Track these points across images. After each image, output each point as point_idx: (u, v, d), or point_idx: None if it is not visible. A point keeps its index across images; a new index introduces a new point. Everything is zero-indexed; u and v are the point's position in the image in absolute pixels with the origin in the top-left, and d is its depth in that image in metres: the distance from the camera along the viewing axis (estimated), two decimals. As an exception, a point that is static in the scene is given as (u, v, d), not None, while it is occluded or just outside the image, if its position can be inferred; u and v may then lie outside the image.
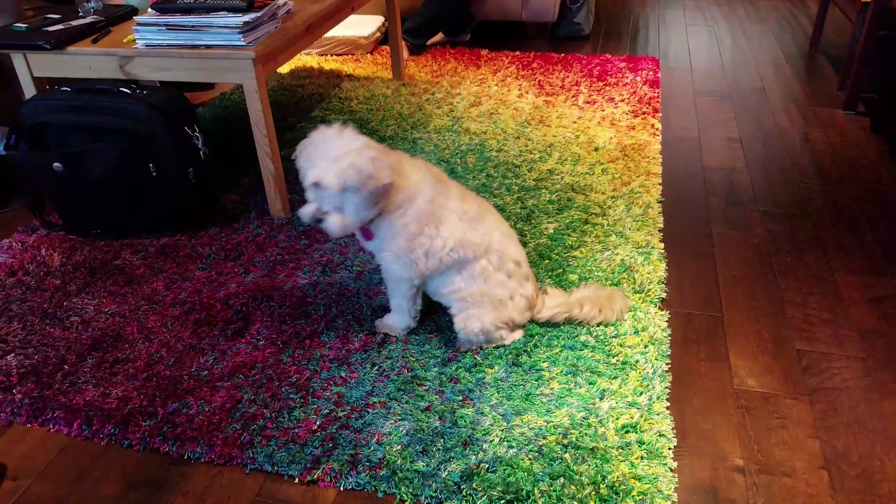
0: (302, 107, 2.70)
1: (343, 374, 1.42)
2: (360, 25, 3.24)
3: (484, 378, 1.40)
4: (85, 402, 1.38)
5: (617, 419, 1.29)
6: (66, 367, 1.47)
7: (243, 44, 1.76)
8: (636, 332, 1.51)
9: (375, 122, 2.55)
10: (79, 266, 1.81)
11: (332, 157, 1.25)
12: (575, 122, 2.48)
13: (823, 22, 3.17)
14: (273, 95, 2.81)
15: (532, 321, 1.53)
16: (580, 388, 1.37)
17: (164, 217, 1.91)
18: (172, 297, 1.68)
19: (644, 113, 2.53)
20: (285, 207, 2.01)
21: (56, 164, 1.80)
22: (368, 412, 1.33)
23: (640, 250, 1.80)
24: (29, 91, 1.96)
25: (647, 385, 1.37)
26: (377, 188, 1.24)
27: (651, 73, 2.88)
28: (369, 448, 1.25)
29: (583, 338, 1.50)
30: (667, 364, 1.43)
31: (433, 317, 1.57)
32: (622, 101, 2.64)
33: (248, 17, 1.76)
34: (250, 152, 1.97)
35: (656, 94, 2.68)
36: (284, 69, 3.09)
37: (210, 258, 1.82)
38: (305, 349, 1.49)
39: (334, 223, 1.28)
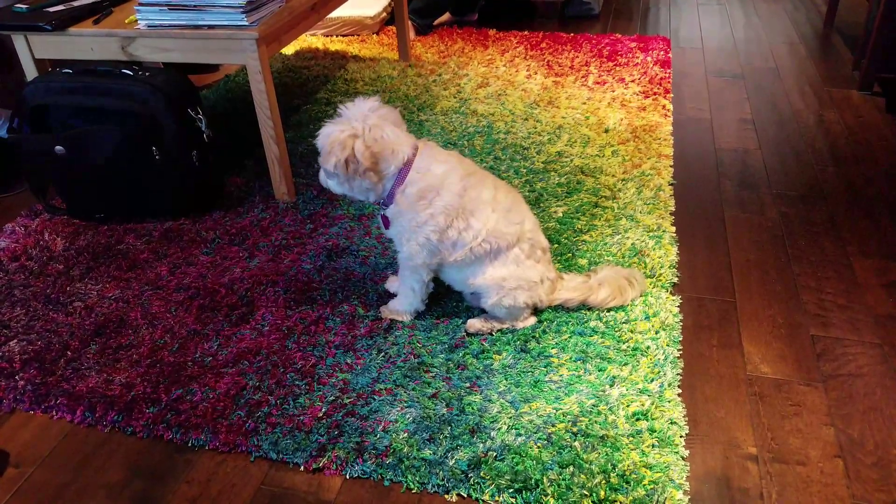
0: (307, 88, 2.66)
1: (349, 361, 1.40)
2: (366, 5, 3.18)
3: (492, 365, 1.38)
4: (88, 388, 1.36)
5: (627, 406, 1.27)
6: (69, 353, 1.46)
7: (246, 23, 1.72)
8: (647, 318, 1.48)
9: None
10: (82, 251, 1.79)
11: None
12: (584, 104, 2.44)
13: (838, 0, 3.09)
14: (278, 77, 2.77)
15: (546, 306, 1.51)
16: (590, 374, 1.35)
17: (168, 201, 1.89)
18: (176, 283, 1.66)
19: (655, 94, 2.48)
20: (290, 191, 1.98)
21: (58, 148, 1.78)
22: (374, 399, 1.31)
23: (651, 234, 1.77)
24: (31, 73, 1.93)
25: (659, 372, 1.34)
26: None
27: (662, 52, 2.82)
28: (375, 435, 1.23)
29: (592, 323, 1.47)
30: (678, 350, 1.41)
31: (440, 302, 1.55)
32: (633, 81, 2.58)
33: (250, -4, 1.72)
34: (255, 135, 1.93)
35: (667, 75, 2.63)
36: (289, 50, 3.05)
37: (214, 242, 1.80)
38: (311, 335, 1.47)
39: (323, 182, 1.44)
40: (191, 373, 1.39)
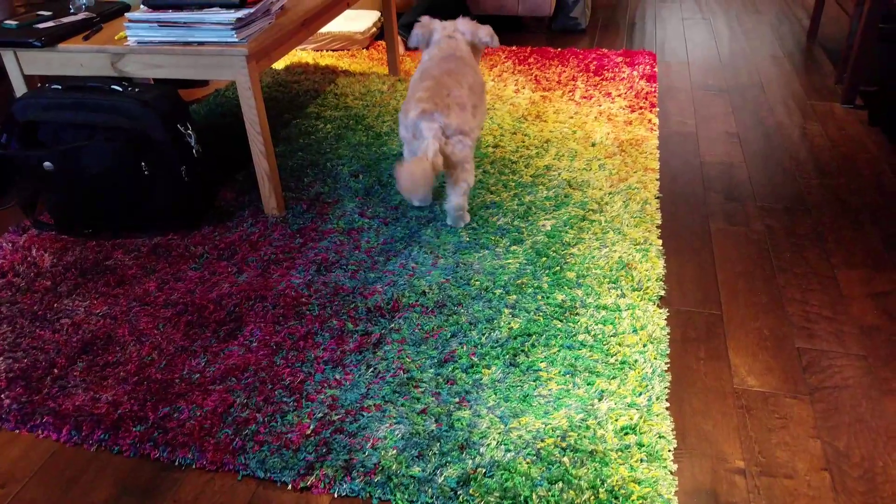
0: (297, 103, 2.67)
1: (337, 377, 1.40)
2: (356, 21, 3.20)
3: (481, 379, 1.38)
4: (74, 406, 1.35)
5: (616, 420, 1.27)
6: (55, 370, 1.44)
7: (236, 40, 1.73)
8: (635, 331, 1.49)
9: (371, 117, 2.52)
10: (70, 267, 1.79)
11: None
12: (572, 118, 2.46)
13: (820, 14, 3.15)
14: (268, 92, 2.78)
15: None
16: (578, 388, 1.35)
17: (157, 216, 1.88)
18: (164, 298, 1.65)
19: (641, 108, 2.51)
20: (279, 205, 1.98)
21: (47, 164, 1.77)
22: (363, 416, 1.31)
23: (638, 247, 1.78)
24: (20, 89, 1.93)
25: (647, 385, 1.35)
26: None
27: (648, 67, 2.85)
28: (364, 453, 1.23)
29: (581, 336, 1.48)
30: (666, 363, 1.41)
31: (430, 316, 1.55)
32: (619, 95, 2.61)
33: (240, 14, 1.73)
34: (245, 149, 1.94)
35: (653, 89, 2.66)
36: (280, 65, 3.06)
37: (203, 258, 1.80)
38: (299, 351, 1.47)
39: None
40: (178, 390, 1.38)
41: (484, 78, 2.85)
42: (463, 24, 1.99)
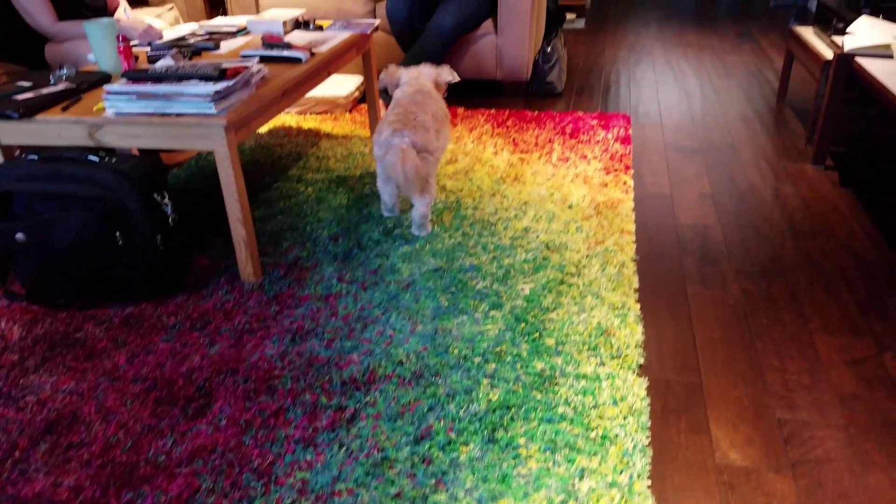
0: (279, 166, 2.69)
1: (308, 458, 1.35)
2: (339, 85, 3.27)
3: (458, 458, 1.34)
4: (34, 493, 1.29)
5: (597, 502, 1.24)
6: (17, 453, 1.39)
7: (214, 112, 1.74)
8: (615, 403, 1.47)
9: (353, 180, 2.54)
10: (38, 340, 1.74)
11: None
12: (549, 180, 2.49)
13: (789, 76, 3.26)
14: (250, 155, 2.80)
15: None
16: (559, 466, 1.32)
17: (131, 286, 1.86)
18: (134, 373, 1.61)
19: (616, 170, 2.55)
20: (256, 272, 1.97)
21: (19, 235, 1.75)
22: (334, 501, 1.26)
23: (616, 312, 1.78)
24: (-6, 159, 1.92)
25: (628, 462, 1.32)
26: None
27: (622, 129, 2.92)
28: (336, 540, 1.18)
29: (561, 409, 1.46)
30: (647, 437, 1.39)
31: (406, 388, 1.52)
32: (594, 158, 2.66)
33: (219, 87, 1.75)
34: (225, 213, 1.93)
35: (627, 151, 2.71)
36: (263, 128, 3.09)
37: (175, 328, 1.76)
38: (269, 429, 1.43)
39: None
40: (143, 473, 1.32)
41: (464, 139, 2.90)
42: (425, 68, 2.36)
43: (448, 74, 2.36)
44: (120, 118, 1.79)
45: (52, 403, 1.52)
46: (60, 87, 1.98)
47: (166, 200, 1.85)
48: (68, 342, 1.73)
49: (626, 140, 2.81)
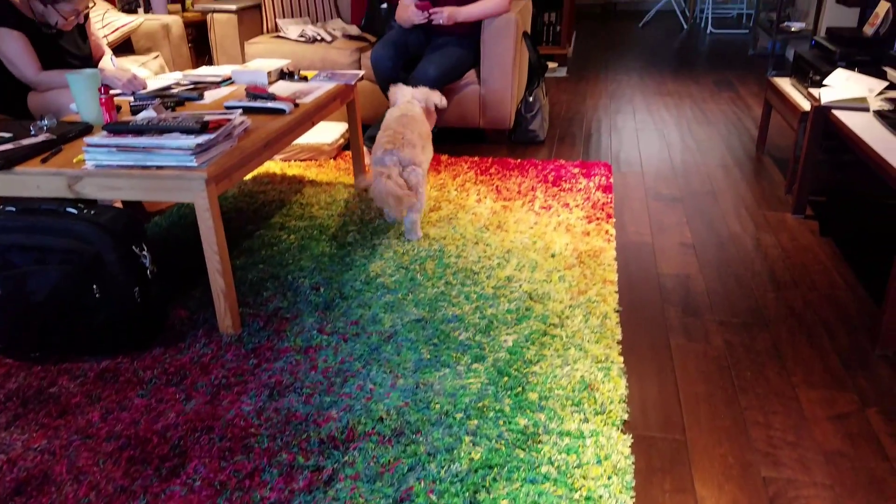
0: (262, 213, 2.69)
1: (284, 523, 1.31)
2: (324, 132, 3.29)
3: (437, 521, 1.31)
4: (-6, 564, 1.24)
5: (579, 568, 1.20)
6: (-22, 519, 1.33)
7: (195, 165, 1.75)
8: (599, 462, 1.45)
9: (336, 227, 2.54)
10: (11, 395, 1.70)
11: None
12: (531, 228, 2.51)
13: (767, 125, 3.33)
14: (233, 202, 2.80)
15: None
16: (540, 530, 1.28)
17: (107, 339, 1.82)
18: (108, 430, 1.56)
19: (598, 218, 2.57)
20: (235, 323, 1.94)
21: (-8, 287, 1.72)
22: (310, 570, 1.22)
23: (599, 365, 1.76)
24: (-29, 210, 1.90)
25: (611, 525, 1.29)
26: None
27: (604, 178, 2.96)
28: None
29: (544, 469, 1.43)
30: (631, 498, 1.36)
31: (386, 446, 1.49)
32: (576, 206, 2.68)
33: (200, 140, 1.75)
34: (205, 261, 1.91)
35: (609, 200, 2.74)
36: (247, 176, 3.10)
37: (151, 383, 1.73)
38: (244, 490, 1.38)
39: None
40: (111, 541, 1.28)
41: (447, 186, 2.92)
42: (419, 93, 2.71)
43: (437, 98, 2.74)
44: (100, 170, 1.79)
45: (23, 462, 1.47)
46: (41, 138, 1.98)
47: (145, 252, 1.84)
48: (41, 398, 1.69)
49: (607, 188, 2.84)
